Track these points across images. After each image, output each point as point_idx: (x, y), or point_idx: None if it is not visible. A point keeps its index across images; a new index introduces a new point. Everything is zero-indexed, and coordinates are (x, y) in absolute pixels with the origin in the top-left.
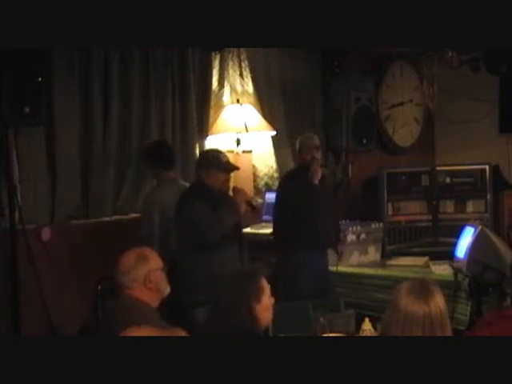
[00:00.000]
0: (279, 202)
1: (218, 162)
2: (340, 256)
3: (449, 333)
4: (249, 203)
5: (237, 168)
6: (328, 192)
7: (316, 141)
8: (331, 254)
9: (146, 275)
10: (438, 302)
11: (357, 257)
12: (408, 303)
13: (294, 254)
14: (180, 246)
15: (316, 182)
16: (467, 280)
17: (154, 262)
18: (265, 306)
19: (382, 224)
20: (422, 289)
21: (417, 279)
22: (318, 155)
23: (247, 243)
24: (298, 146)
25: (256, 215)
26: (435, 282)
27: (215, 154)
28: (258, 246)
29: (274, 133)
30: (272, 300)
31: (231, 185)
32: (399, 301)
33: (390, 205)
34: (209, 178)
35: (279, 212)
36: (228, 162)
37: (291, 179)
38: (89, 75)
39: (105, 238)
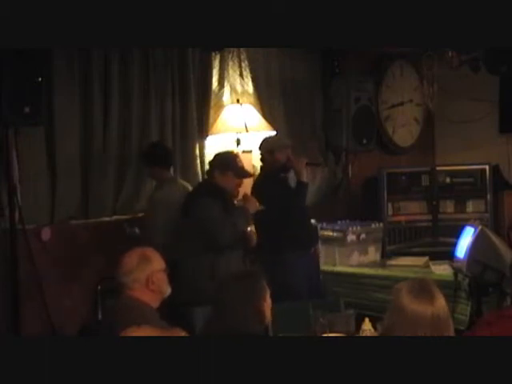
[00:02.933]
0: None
1: (235, 166)
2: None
3: (452, 332)
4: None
5: (251, 175)
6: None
7: (287, 141)
8: (330, 254)
9: (148, 276)
10: (442, 301)
11: (357, 257)
12: (414, 305)
13: (280, 255)
14: (186, 245)
15: (304, 179)
16: (467, 280)
17: (157, 263)
18: (268, 304)
19: (381, 224)
20: (424, 289)
21: (416, 279)
22: (291, 155)
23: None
24: (267, 148)
25: None
26: (434, 281)
27: (234, 158)
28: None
29: (274, 133)
30: None
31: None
32: (403, 302)
33: (390, 205)
34: (223, 179)
35: (262, 215)
36: (243, 167)
37: (269, 181)
38: (89, 75)
39: (105, 238)
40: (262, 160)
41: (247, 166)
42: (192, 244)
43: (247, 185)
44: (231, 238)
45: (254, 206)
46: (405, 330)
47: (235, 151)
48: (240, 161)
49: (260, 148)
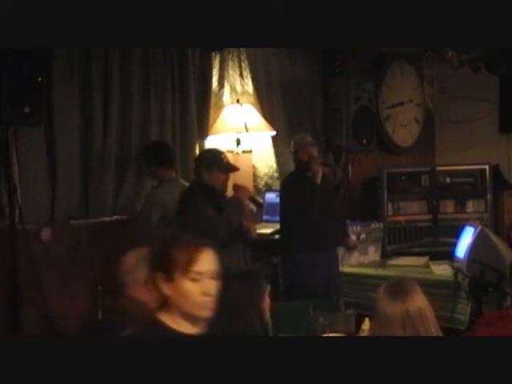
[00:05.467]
0: (282, 203)
1: (219, 163)
2: (345, 255)
3: (432, 330)
4: (252, 199)
5: (237, 169)
6: (328, 191)
7: (310, 139)
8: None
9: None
10: (417, 299)
11: (357, 257)
12: (386, 305)
13: (299, 254)
14: None
15: (318, 181)
16: (467, 280)
17: None
18: (268, 304)
19: (382, 224)
20: (397, 289)
21: (394, 279)
22: (315, 153)
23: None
24: (293, 148)
25: (258, 213)
26: (433, 281)
27: (217, 155)
28: (258, 245)
29: (274, 133)
30: None
31: (230, 185)
32: (378, 304)
33: (389, 205)
34: (210, 178)
35: (283, 213)
36: (229, 162)
37: (293, 180)
38: (89, 75)
39: (105, 238)
40: (294, 159)
41: (247, 166)
42: None
43: (241, 179)
44: (227, 235)
45: (246, 194)
46: (382, 331)
47: (235, 151)
48: (225, 156)
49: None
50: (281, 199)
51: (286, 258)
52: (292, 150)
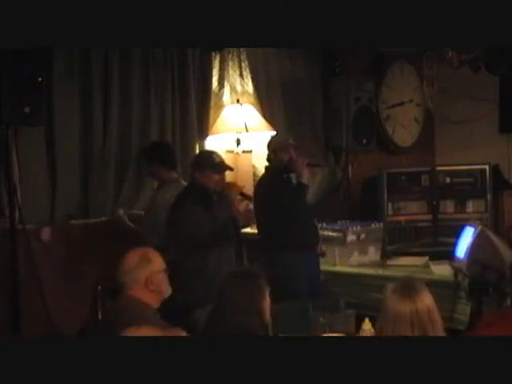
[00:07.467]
0: (262, 204)
1: (211, 163)
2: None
3: (439, 329)
4: (242, 194)
5: (230, 168)
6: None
7: (291, 140)
8: (330, 254)
9: (148, 277)
10: (425, 298)
11: (357, 257)
12: (395, 303)
13: (281, 254)
14: (175, 246)
15: (304, 180)
16: (467, 280)
17: (157, 263)
18: (268, 303)
19: (381, 224)
20: (407, 287)
21: (401, 279)
22: (294, 154)
23: (246, 243)
24: (271, 147)
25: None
26: (434, 281)
27: (208, 155)
28: (257, 245)
29: (274, 133)
30: None
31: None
32: (387, 302)
33: (389, 205)
34: (203, 178)
35: (264, 214)
36: (221, 162)
37: (273, 181)
38: (89, 75)
39: (105, 238)
40: (267, 159)
41: (247, 166)
42: (182, 245)
43: (241, 179)
44: (214, 235)
45: (236, 190)
46: (389, 329)
47: (235, 151)
48: (217, 156)
49: (267, 147)
50: (258, 200)
51: (268, 259)
52: (270, 149)
